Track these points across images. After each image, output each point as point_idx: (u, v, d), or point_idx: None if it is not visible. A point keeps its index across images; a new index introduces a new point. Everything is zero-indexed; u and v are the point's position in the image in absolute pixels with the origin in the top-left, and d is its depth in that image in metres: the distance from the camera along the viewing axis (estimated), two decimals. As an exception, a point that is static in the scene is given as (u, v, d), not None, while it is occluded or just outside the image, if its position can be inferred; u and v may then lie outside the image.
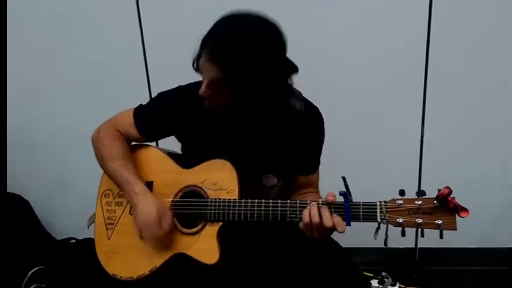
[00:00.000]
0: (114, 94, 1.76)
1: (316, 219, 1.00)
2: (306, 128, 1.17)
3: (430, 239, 1.98)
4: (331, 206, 1.02)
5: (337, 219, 1.00)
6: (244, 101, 1.05)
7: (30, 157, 2.03)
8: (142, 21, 1.78)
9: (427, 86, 1.74)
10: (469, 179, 1.74)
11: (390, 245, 2.01)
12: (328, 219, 1.00)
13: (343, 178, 1.00)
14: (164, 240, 1.14)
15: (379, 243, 1.97)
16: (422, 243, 1.97)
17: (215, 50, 1.00)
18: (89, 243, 1.25)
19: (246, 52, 0.99)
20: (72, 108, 1.93)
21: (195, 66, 1.08)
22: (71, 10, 1.81)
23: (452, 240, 1.92)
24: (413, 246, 1.97)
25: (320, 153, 1.24)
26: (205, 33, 1.04)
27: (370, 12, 1.67)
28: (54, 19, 1.82)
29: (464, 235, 1.90)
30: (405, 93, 1.76)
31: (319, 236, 1.02)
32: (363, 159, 1.82)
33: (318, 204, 1.03)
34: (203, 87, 1.05)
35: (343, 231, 1.01)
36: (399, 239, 2.04)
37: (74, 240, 1.96)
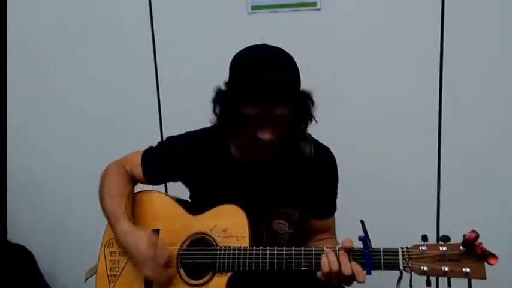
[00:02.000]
0: (125, 142, 1.75)
1: (335, 266, 0.95)
2: (317, 171, 1.15)
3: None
4: (350, 252, 0.97)
5: (357, 268, 0.95)
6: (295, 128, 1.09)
7: (36, 208, 2.01)
8: (157, 63, 1.83)
9: (441, 123, 1.72)
10: (489, 221, 1.67)
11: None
12: (347, 266, 0.95)
13: (362, 222, 0.96)
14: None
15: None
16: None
17: (283, 91, 1.00)
18: None
19: (299, 80, 1.05)
20: (79, 158, 1.94)
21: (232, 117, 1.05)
22: (80, 38, 1.85)
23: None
24: None
25: (335, 196, 1.21)
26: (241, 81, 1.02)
27: (383, 45, 1.69)
28: (61, 51, 1.86)
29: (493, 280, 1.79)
30: (420, 132, 1.75)
31: (337, 285, 0.97)
32: (377, 199, 1.76)
33: (335, 250, 0.98)
34: (271, 134, 1.03)
35: (363, 281, 0.95)
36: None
37: None
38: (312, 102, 1.09)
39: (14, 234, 1.93)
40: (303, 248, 1.02)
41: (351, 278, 0.95)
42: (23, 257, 1.90)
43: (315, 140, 1.19)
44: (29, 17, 1.87)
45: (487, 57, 1.66)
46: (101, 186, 1.22)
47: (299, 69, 1.06)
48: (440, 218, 1.77)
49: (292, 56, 1.06)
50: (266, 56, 1.03)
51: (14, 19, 1.76)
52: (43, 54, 1.89)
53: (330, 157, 1.19)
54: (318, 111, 1.11)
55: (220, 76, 1.08)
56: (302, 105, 1.07)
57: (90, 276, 1.25)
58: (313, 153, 1.16)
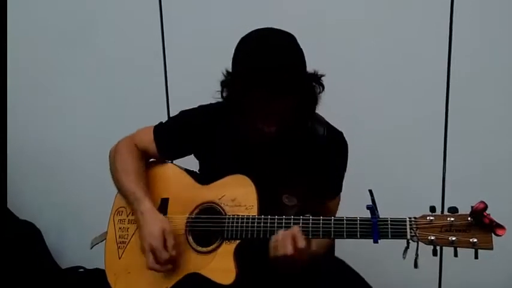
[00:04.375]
0: (130, 115, 1.70)
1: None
2: (328, 152, 1.11)
3: (455, 277, 1.80)
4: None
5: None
6: (301, 117, 1.04)
7: (44, 185, 1.96)
8: (165, 43, 1.75)
9: (448, 122, 1.67)
10: (496, 208, 1.63)
11: (411, 282, 1.84)
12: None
13: (370, 192, 0.91)
14: (173, 262, 1.05)
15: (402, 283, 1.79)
16: (446, 283, 1.80)
17: (284, 83, 0.94)
18: (98, 272, 1.16)
19: (302, 67, 0.99)
20: (87, 135, 1.87)
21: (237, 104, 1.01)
22: (89, 19, 1.78)
23: (479, 278, 1.77)
24: (437, 285, 1.80)
25: (341, 179, 1.16)
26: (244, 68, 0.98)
27: (389, 44, 1.63)
28: (70, 33, 1.79)
29: (493, 272, 1.74)
30: (426, 126, 1.69)
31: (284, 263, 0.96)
32: (382, 185, 1.71)
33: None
34: (273, 125, 1.00)
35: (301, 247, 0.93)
36: (420, 276, 1.86)
37: (82, 269, 1.86)
38: (322, 86, 1.04)
39: (22, 211, 1.89)
40: (310, 216, 0.98)
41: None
42: (31, 234, 1.86)
43: (328, 123, 1.14)
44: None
45: (497, 43, 1.59)
46: (113, 164, 1.18)
47: (304, 54, 1.00)
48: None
49: (298, 38, 1.00)
50: (267, 46, 0.97)
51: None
52: (52, 27, 1.81)
53: (342, 140, 1.14)
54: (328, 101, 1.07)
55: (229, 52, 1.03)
56: (307, 94, 1.02)
57: (96, 244, 1.22)
58: (326, 135, 1.11)
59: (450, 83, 1.64)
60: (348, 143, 1.15)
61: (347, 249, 1.21)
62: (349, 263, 1.16)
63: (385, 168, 1.71)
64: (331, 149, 1.12)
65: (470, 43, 1.60)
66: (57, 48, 1.79)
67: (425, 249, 0.90)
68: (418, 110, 1.66)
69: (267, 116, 0.99)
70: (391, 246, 0.92)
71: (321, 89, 1.04)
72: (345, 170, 1.15)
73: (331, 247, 1.13)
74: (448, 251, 0.89)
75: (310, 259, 0.98)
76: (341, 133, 1.14)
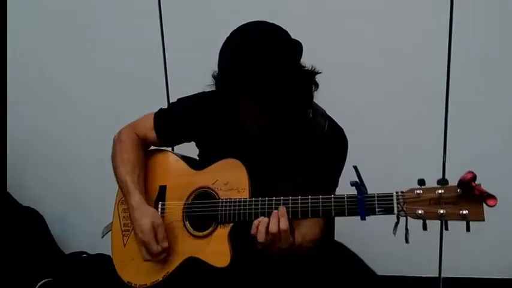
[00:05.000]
0: (132, 105, 1.57)
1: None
2: (327, 147, 1.08)
3: (456, 268, 1.76)
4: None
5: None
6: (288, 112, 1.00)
7: (47, 172, 1.95)
8: (164, 34, 1.74)
9: (448, 113, 1.64)
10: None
11: (412, 273, 1.80)
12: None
13: (355, 168, 0.89)
14: (167, 251, 1.07)
15: (402, 271, 1.76)
16: (447, 272, 1.76)
17: (271, 88, 0.91)
18: (101, 258, 1.15)
19: (292, 65, 0.95)
20: (90, 122, 1.86)
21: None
22: (89, 19, 1.77)
23: (479, 269, 1.73)
24: (437, 275, 1.76)
25: (338, 174, 1.12)
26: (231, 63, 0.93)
27: (390, 33, 1.61)
28: (71, 28, 1.78)
29: (493, 264, 1.70)
30: (426, 121, 1.67)
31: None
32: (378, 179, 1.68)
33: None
34: (262, 124, 0.98)
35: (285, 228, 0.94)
36: (422, 268, 1.82)
37: (85, 255, 1.86)
38: (315, 85, 1.01)
39: (25, 198, 1.89)
40: (299, 196, 0.97)
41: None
42: (34, 221, 1.86)
43: (330, 117, 1.11)
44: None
45: (497, 38, 1.57)
46: (113, 152, 1.19)
47: (296, 49, 0.96)
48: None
49: (297, 35, 0.97)
50: (253, 46, 0.92)
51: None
52: (53, 27, 1.80)
53: (343, 136, 1.11)
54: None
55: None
56: (299, 93, 0.99)
57: (107, 233, 1.23)
58: (327, 129, 1.09)
59: (450, 77, 1.62)
60: (348, 131, 1.12)
61: (346, 232, 1.20)
62: (349, 246, 1.16)
63: (385, 154, 1.68)
64: (331, 145, 1.09)
65: (472, 17, 1.56)
66: (57, 48, 1.79)
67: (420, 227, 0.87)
68: (418, 96, 1.64)
69: (257, 116, 0.97)
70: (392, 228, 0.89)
71: (315, 87, 1.01)
72: (342, 167, 1.11)
73: (318, 242, 1.08)
74: (450, 231, 0.86)
75: (291, 247, 0.98)
76: (342, 129, 1.11)
